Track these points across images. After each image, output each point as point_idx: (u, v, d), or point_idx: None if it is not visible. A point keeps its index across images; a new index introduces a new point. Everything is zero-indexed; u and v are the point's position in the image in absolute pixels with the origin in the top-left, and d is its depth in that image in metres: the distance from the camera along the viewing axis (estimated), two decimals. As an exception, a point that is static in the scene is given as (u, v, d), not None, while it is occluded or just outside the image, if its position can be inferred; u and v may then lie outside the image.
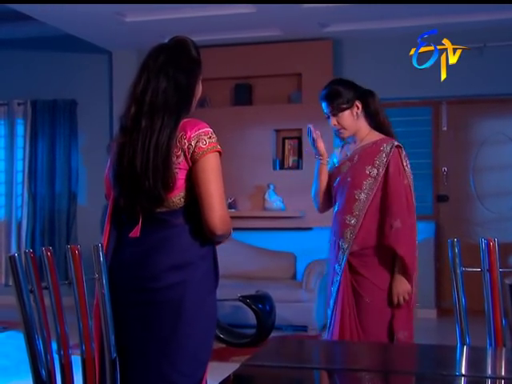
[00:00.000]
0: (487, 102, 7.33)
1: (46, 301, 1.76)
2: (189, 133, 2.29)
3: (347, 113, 3.43)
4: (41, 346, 1.62)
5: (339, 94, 3.43)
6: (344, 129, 3.45)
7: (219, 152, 2.30)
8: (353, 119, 3.44)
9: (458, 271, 1.96)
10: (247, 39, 7.34)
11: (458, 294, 1.93)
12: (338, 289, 3.37)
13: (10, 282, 7.07)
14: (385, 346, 2.36)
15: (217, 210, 2.23)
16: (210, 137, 2.30)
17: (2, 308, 7.73)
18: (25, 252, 1.64)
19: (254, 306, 5.92)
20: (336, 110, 3.41)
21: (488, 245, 1.95)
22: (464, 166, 7.34)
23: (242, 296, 5.98)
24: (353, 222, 3.32)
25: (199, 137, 2.28)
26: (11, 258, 1.56)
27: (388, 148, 3.33)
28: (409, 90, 7.25)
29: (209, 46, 7.49)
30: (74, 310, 1.82)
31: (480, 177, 7.29)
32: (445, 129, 7.41)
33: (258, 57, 7.47)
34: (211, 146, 2.28)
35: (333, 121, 3.45)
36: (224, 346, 5.89)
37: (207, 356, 2.32)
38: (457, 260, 1.96)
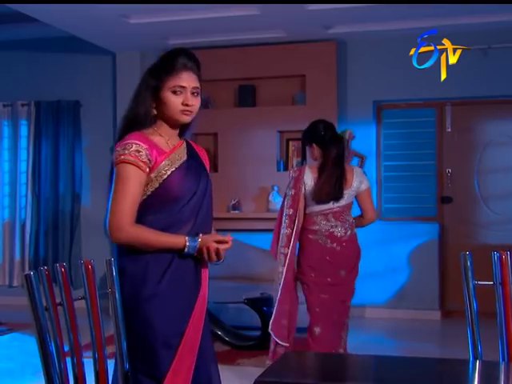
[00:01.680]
0: (491, 104, 7.32)
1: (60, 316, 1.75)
2: (116, 146, 2.51)
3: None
4: (57, 370, 1.62)
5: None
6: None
7: (129, 163, 2.43)
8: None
9: (471, 285, 1.96)
10: (251, 40, 7.33)
11: (470, 308, 1.92)
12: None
13: (14, 283, 7.11)
14: (397, 359, 2.36)
15: (110, 216, 2.39)
16: (124, 148, 2.44)
17: (6, 309, 7.76)
18: (40, 269, 1.64)
19: (259, 309, 5.96)
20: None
21: (500, 258, 1.94)
22: (468, 168, 7.33)
23: (247, 299, 6.01)
24: None
25: (116, 149, 2.48)
26: (27, 277, 1.55)
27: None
28: (413, 92, 7.25)
29: (212, 48, 7.50)
30: (88, 323, 1.81)
31: (484, 178, 7.28)
32: (449, 130, 7.40)
33: (261, 58, 7.46)
34: (122, 157, 2.43)
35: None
36: (229, 348, 5.94)
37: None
38: (469, 273, 1.96)
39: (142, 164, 2.44)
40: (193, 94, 2.56)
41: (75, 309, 1.79)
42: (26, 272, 1.57)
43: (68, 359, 1.75)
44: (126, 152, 2.43)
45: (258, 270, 6.96)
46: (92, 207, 8.03)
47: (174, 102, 2.53)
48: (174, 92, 2.53)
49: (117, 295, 1.88)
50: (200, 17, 6.56)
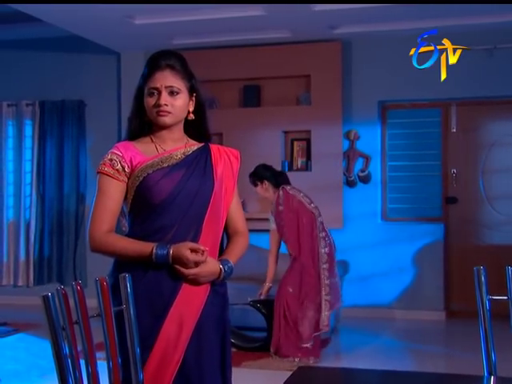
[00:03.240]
0: (497, 104, 7.31)
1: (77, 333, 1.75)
2: None
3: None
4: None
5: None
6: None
7: (103, 173, 2.44)
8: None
9: (485, 300, 1.96)
10: (256, 40, 7.32)
11: (484, 323, 1.92)
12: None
13: (19, 283, 7.12)
14: (410, 375, 2.36)
15: (89, 226, 2.42)
16: (103, 158, 2.47)
17: (11, 308, 7.78)
18: (57, 289, 1.64)
19: (264, 311, 5.96)
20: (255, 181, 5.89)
21: (515, 273, 1.94)
22: (473, 168, 7.32)
23: (252, 301, 6.01)
24: None
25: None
26: (44, 298, 1.55)
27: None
28: (418, 92, 7.24)
29: (217, 48, 7.50)
30: (103, 341, 1.81)
31: (489, 179, 7.28)
32: (454, 130, 7.39)
33: (266, 58, 7.45)
34: (98, 168, 2.46)
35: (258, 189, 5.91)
36: (235, 350, 5.94)
37: None
38: (483, 288, 1.95)
39: (114, 172, 2.43)
40: (171, 93, 2.46)
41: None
42: (44, 293, 1.57)
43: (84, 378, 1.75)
44: (102, 162, 2.46)
45: (262, 271, 6.94)
46: (97, 207, 8.01)
47: (148, 104, 2.47)
48: (150, 94, 2.46)
49: (131, 311, 1.87)
50: (205, 17, 6.55)
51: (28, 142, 8.23)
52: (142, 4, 6.14)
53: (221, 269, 2.45)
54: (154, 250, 2.32)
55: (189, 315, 2.41)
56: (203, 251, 2.36)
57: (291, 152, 7.57)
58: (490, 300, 1.90)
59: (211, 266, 2.42)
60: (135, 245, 2.37)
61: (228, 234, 2.67)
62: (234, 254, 2.58)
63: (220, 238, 2.57)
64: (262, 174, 5.84)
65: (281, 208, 5.67)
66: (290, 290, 5.57)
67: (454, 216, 7.37)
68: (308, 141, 7.46)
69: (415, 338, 6.54)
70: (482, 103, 7.35)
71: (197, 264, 2.36)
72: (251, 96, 7.56)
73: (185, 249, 2.33)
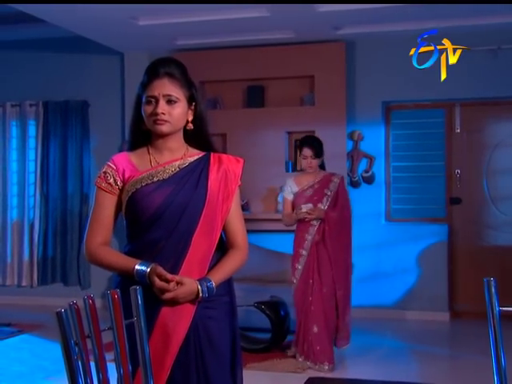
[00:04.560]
0: (501, 104, 7.30)
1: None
2: None
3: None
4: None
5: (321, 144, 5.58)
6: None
7: (98, 186, 2.47)
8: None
9: (496, 311, 1.96)
10: (260, 41, 7.31)
11: (495, 335, 1.92)
12: (310, 265, 5.43)
13: (23, 283, 7.15)
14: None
15: (84, 238, 2.52)
16: (99, 171, 2.51)
17: (15, 308, 7.79)
18: (69, 304, 1.64)
19: (268, 313, 5.96)
20: (319, 154, 5.52)
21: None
22: (477, 169, 7.32)
23: (257, 302, 6.02)
24: (315, 223, 5.45)
25: None
26: (58, 314, 1.55)
27: (336, 178, 5.57)
28: (422, 92, 7.23)
29: (221, 48, 7.49)
30: (114, 354, 1.82)
31: (494, 179, 7.27)
32: (458, 131, 7.38)
33: (270, 59, 7.44)
34: (95, 180, 2.49)
35: (314, 162, 5.52)
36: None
37: None
38: (494, 299, 1.95)
39: (107, 185, 2.46)
40: (168, 102, 2.43)
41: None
42: (58, 309, 1.57)
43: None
44: (98, 175, 2.50)
45: (266, 272, 6.96)
46: (100, 207, 8.01)
47: (146, 112, 2.44)
48: (148, 103, 2.43)
49: (142, 324, 1.87)
50: (209, 18, 6.53)
51: (32, 143, 8.24)
52: (147, 4, 6.13)
53: (198, 289, 2.39)
54: (137, 266, 2.34)
55: (175, 333, 2.37)
56: (169, 280, 2.32)
57: (295, 152, 7.56)
58: (500, 312, 1.91)
59: (187, 287, 2.35)
60: (122, 260, 2.42)
61: (227, 245, 2.60)
62: (222, 271, 2.49)
63: (213, 250, 2.50)
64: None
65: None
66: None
67: (457, 217, 7.36)
68: (312, 141, 7.44)
69: (419, 339, 6.54)
70: (486, 104, 7.34)
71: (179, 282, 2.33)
72: (255, 96, 7.56)
73: (153, 275, 2.32)
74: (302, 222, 5.48)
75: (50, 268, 8.16)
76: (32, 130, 8.24)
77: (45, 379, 5.31)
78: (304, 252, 5.46)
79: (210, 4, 6.16)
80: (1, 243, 8.33)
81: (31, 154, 8.22)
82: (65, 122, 8.10)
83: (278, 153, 7.47)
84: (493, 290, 1.95)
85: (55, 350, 5.90)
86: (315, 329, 5.34)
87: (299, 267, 5.48)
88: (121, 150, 8.10)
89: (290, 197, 5.66)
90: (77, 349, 1.61)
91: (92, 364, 1.73)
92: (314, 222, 5.45)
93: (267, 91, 7.61)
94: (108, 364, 1.76)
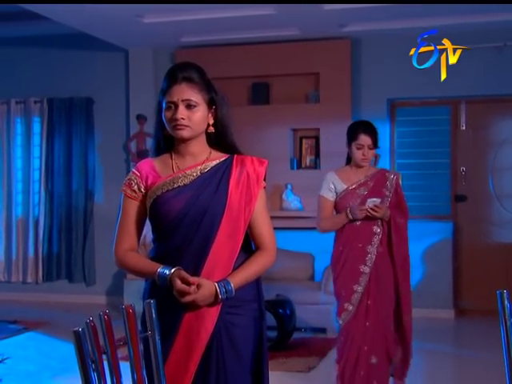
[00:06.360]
0: (506, 102, 7.29)
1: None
2: None
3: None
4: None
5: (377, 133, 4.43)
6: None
7: (124, 192, 2.52)
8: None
9: (508, 323, 1.96)
10: (265, 38, 7.29)
11: (508, 347, 1.92)
12: (369, 283, 4.25)
13: (28, 280, 7.17)
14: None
15: (113, 244, 2.53)
16: (126, 178, 2.55)
17: (20, 305, 7.81)
18: (86, 322, 1.64)
19: (275, 311, 5.97)
20: (377, 144, 4.37)
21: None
22: (483, 166, 7.31)
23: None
24: (378, 230, 4.28)
25: None
26: (76, 334, 1.56)
27: (392, 175, 4.44)
28: (427, 90, 7.19)
29: (226, 45, 7.48)
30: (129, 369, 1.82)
31: (499, 177, 7.26)
32: (463, 128, 7.37)
33: (275, 56, 7.43)
34: (121, 187, 2.54)
35: (371, 152, 4.33)
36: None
37: None
38: (506, 312, 1.95)
39: (132, 192, 2.51)
40: (188, 106, 2.43)
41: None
42: (75, 329, 1.57)
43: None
44: (124, 182, 2.54)
45: (272, 270, 6.93)
46: (105, 204, 8.03)
47: (166, 118, 2.46)
48: (167, 108, 2.45)
49: (156, 338, 1.88)
50: (214, 16, 6.52)
51: (36, 139, 8.24)
52: (152, 4, 6.12)
53: (217, 291, 2.38)
54: (159, 270, 2.36)
55: (199, 338, 2.39)
56: (191, 283, 2.33)
57: (300, 150, 7.56)
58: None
59: (205, 289, 2.35)
60: (147, 265, 2.45)
61: (254, 246, 2.59)
62: (243, 273, 2.47)
63: (237, 253, 2.48)
64: None
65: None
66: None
67: (463, 214, 7.36)
68: (317, 138, 7.45)
69: (424, 336, 6.53)
70: (491, 101, 7.33)
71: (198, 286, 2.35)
72: (260, 94, 7.55)
73: (175, 277, 2.33)
74: (354, 230, 4.26)
75: (54, 265, 8.18)
76: (36, 127, 8.24)
77: (51, 378, 5.33)
78: (367, 269, 4.25)
79: (215, 4, 6.16)
80: (6, 240, 8.35)
81: (36, 151, 8.23)
82: (69, 119, 8.10)
83: (282, 150, 7.46)
84: (506, 302, 1.95)
85: (61, 348, 5.95)
86: (373, 360, 4.31)
87: (359, 289, 4.26)
88: (126, 148, 8.17)
89: (330, 196, 4.31)
90: (93, 365, 1.62)
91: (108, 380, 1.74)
92: (377, 229, 4.27)
93: (272, 88, 7.60)
94: (124, 380, 1.76)
